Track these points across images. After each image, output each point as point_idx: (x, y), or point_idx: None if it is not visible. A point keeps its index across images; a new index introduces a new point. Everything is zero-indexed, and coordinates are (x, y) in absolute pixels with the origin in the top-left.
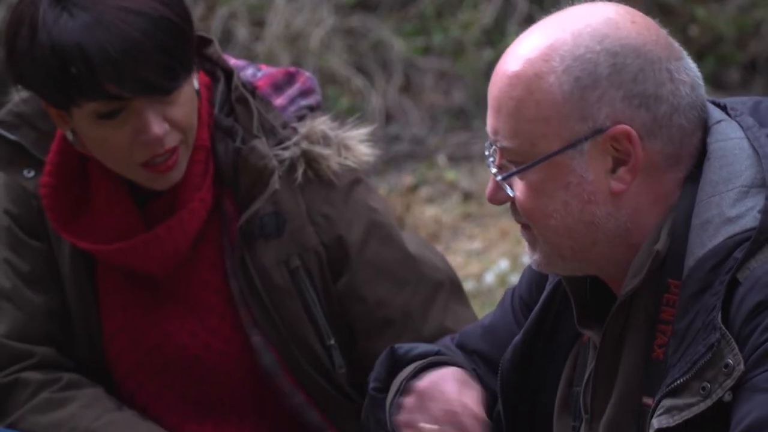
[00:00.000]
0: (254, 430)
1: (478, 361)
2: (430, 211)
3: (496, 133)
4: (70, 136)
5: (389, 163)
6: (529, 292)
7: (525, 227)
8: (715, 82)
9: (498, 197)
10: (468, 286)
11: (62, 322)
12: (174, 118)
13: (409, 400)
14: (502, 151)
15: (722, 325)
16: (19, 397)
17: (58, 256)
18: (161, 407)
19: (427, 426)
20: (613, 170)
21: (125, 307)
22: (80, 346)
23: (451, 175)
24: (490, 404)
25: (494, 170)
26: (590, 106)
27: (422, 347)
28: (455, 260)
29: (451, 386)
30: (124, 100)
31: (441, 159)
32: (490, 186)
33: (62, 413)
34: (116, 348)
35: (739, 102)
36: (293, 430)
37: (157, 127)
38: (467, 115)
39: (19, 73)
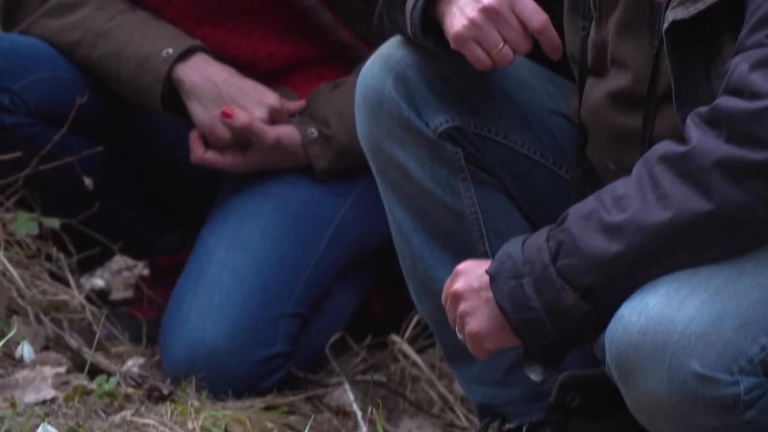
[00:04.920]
0: (267, 34)
1: None
2: None
3: None
4: None
5: None
6: None
7: None
8: None
9: None
10: None
11: None
12: None
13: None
14: None
15: None
16: (31, 3)
17: None
18: (174, 11)
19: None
20: None
21: None
22: None
23: None
24: None
25: None
26: None
27: None
28: None
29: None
30: None
31: None
32: None
33: (75, 16)
34: None
35: None
36: (305, 32)
37: None
38: None
39: None
